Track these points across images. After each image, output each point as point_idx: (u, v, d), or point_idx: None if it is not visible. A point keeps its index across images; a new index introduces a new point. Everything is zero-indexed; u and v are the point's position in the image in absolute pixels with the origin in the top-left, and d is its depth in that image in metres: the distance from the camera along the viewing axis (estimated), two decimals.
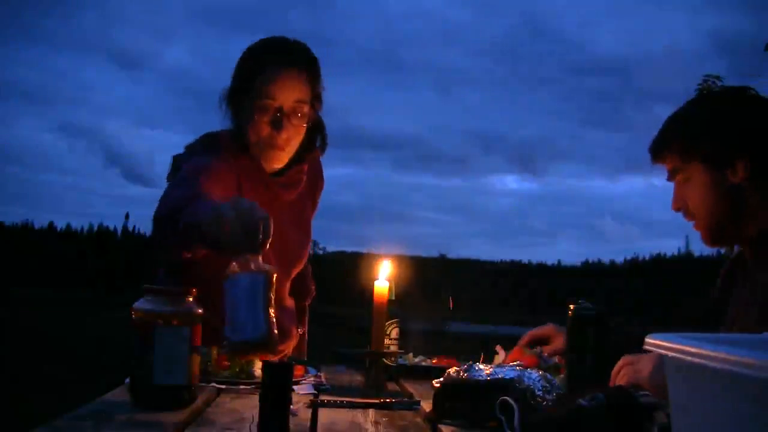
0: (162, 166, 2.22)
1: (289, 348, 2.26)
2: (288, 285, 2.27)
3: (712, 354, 0.65)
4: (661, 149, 1.78)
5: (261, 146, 1.98)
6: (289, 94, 1.94)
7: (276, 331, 1.39)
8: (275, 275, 1.45)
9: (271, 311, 1.39)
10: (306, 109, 1.98)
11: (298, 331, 2.29)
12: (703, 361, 0.67)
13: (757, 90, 1.75)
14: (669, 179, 1.79)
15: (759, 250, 1.71)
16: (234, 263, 1.42)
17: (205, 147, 2.01)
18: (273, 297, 1.42)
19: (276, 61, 1.94)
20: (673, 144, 1.76)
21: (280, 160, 2.05)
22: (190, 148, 2.06)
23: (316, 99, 2.03)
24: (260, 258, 1.43)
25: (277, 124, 1.94)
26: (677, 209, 1.79)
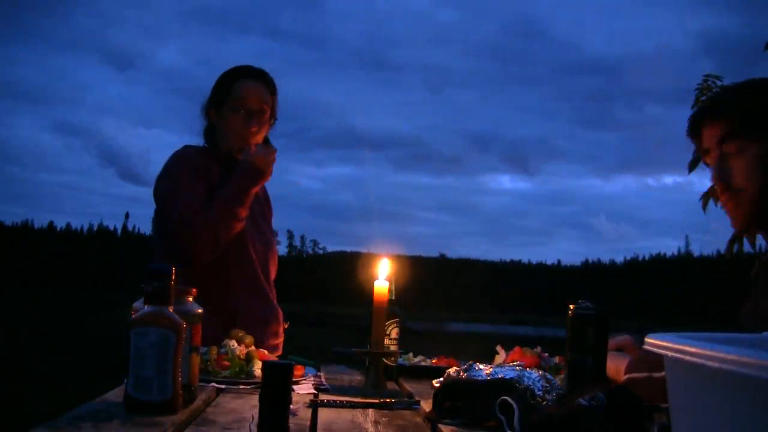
0: (158, 166, 2.38)
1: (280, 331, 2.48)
2: (273, 275, 2.51)
3: (712, 354, 0.65)
4: (716, 114, 1.67)
5: (235, 138, 2.41)
6: (255, 98, 2.42)
7: (181, 392, 1.29)
8: (189, 327, 1.37)
9: (179, 371, 1.29)
10: (268, 111, 2.46)
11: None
12: (703, 361, 0.66)
13: None
14: (711, 150, 1.68)
15: None
16: (142, 312, 1.29)
17: (181, 156, 2.40)
18: (181, 356, 1.30)
19: (246, 76, 2.46)
20: (736, 108, 1.66)
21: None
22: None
23: (272, 107, 2.50)
24: (171, 309, 1.30)
25: (248, 118, 2.41)
26: (720, 180, 1.67)
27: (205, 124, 2.49)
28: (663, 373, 1.29)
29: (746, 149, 1.63)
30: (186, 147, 2.45)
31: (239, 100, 2.40)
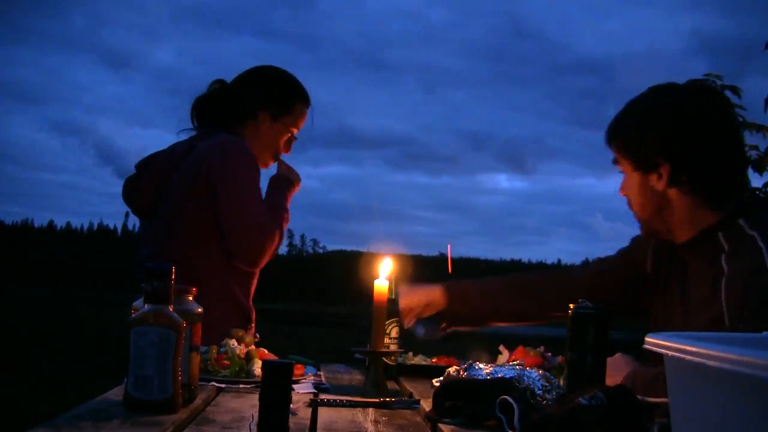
0: None
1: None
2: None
3: (712, 353, 0.65)
4: (607, 138, 1.78)
5: (269, 153, 2.46)
6: (301, 126, 2.51)
7: (181, 391, 1.29)
8: (189, 326, 1.38)
9: (179, 370, 1.29)
10: None
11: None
12: (703, 361, 0.66)
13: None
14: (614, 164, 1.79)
15: (699, 251, 1.67)
16: (142, 311, 1.27)
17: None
18: (181, 355, 1.30)
19: (306, 102, 2.50)
20: (612, 137, 1.76)
21: (267, 166, 2.53)
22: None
23: None
24: (171, 308, 1.29)
25: (289, 143, 2.50)
26: (623, 195, 1.79)
27: (238, 109, 2.42)
28: (661, 399, 1.30)
29: (626, 172, 1.75)
30: (243, 141, 2.38)
31: (295, 124, 2.48)
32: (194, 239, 2.28)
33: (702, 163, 1.63)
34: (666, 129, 1.65)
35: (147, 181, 2.36)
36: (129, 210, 2.46)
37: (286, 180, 2.47)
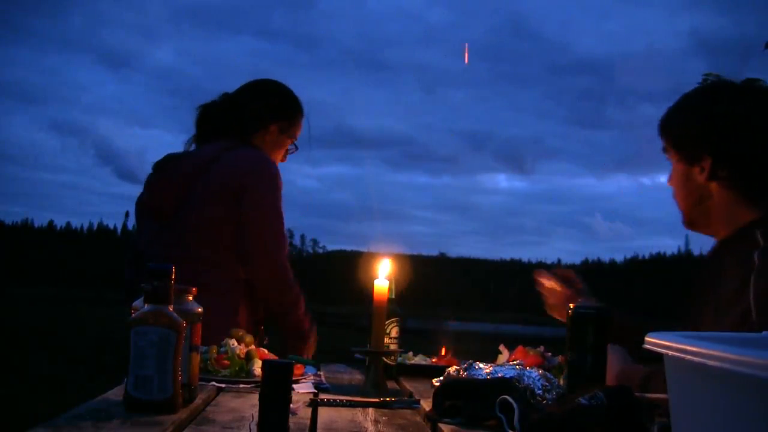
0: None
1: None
2: None
3: (712, 353, 0.65)
4: (658, 129, 1.81)
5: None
6: (298, 135, 2.63)
7: (181, 391, 1.29)
8: (189, 326, 1.38)
9: (179, 370, 1.29)
10: None
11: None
12: (703, 361, 0.66)
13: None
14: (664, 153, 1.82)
15: (735, 248, 1.68)
16: (142, 311, 1.27)
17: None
18: (181, 355, 1.30)
19: (302, 113, 2.62)
20: (661, 129, 1.79)
21: None
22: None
23: None
24: (171, 308, 1.29)
25: (286, 155, 2.64)
26: (669, 186, 1.82)
27: (247, 120, 2.49)
28: (661, 396, 1.29)
29: (672, 162, 1.78)
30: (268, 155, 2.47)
31: (295, 135, 2.60)
32: (219, 243, 2.33)
33: (743, 160, 1.67)
34: (710, 125, 1.70)
35: (173, 184, 2.38)
36: (140, 210, 2.46)
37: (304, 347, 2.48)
